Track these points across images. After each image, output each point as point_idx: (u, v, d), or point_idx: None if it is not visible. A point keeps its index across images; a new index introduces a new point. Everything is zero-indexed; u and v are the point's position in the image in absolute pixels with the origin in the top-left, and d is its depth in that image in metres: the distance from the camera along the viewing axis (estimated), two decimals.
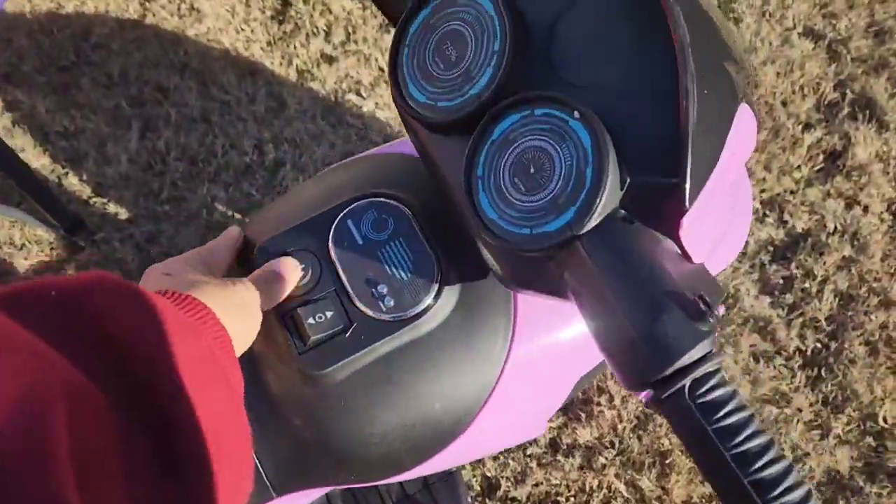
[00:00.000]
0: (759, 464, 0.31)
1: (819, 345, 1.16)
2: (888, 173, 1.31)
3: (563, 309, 0.50)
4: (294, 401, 0.48)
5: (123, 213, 1.23)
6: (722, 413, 0.33)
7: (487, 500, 1.05)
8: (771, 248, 1.25)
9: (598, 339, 0.37)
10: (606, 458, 1.08)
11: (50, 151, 1.27)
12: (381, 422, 0.48)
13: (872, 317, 1.17)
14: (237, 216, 1.25)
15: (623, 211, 0.38)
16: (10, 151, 1.02)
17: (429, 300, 0.47)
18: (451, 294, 0.48)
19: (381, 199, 0.50)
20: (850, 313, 1.18)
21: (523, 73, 0.41)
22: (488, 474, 1.06)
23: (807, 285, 1.21)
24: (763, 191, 1.29)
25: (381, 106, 1.37)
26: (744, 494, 0.31)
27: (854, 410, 1.11)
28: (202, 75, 1.34)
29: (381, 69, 1.39)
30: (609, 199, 0.37)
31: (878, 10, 1.51)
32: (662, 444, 1.09)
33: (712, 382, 0.33)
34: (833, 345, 1.16)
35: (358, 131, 1.33)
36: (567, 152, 0.38)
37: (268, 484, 0.53)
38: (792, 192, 1.30)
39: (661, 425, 1.10)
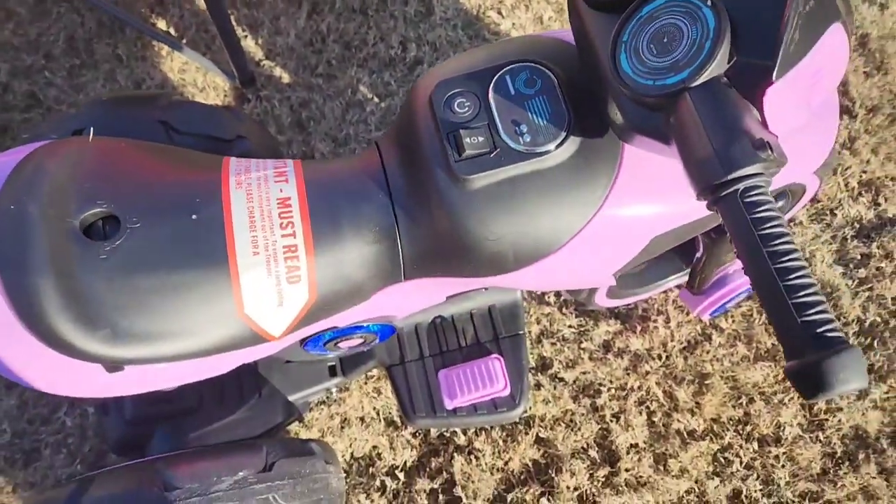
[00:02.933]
0: (780, 243, 0.45)
1: (878, 319, 1.23)
2: None
3: (655, 184, 0.64)
4: (442, 196, 0.63)
5: (285, 78, 1.44)
6: (761, 209, 0.46)
7: (539, 374, 1.21)
8: (857, 226, 1.30)
9: (686, 158, 0.51)
10: (651, 367, 1.21)
11: (235, 16, 1.49)
12: (501, 224, 0.64)
13: None
14: (375, 100, 1.43)
15: (725, 78, 0.51)
16: None
17: (556, 142, 0.63)
18: (573, 144, 0.63)
19: (535, 65, 0.66)
20: None
21: None
22: (545, 354, 1.23)
23: (883, 265, 1.26)
24: (864, 172, 1.34)
25: (516, 27, 1.49)
26: (768, 273, 0.45)
27: None
28: None
29: None
30: (717, 67, 0.51)
31: None
32: (705, 368, 1.21)
33: (759, 191, 0.47)
34: (892, 322, 1.22)
35: None
36: (695, 30, 0.53)
37: (401, 266, 0.70)
38: (892, 179, 1.33)
39: (707, 352, 1.22)
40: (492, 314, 1.02)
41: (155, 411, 0.89)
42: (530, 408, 1.19)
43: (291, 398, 1.00)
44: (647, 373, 1.21)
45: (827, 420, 1.17)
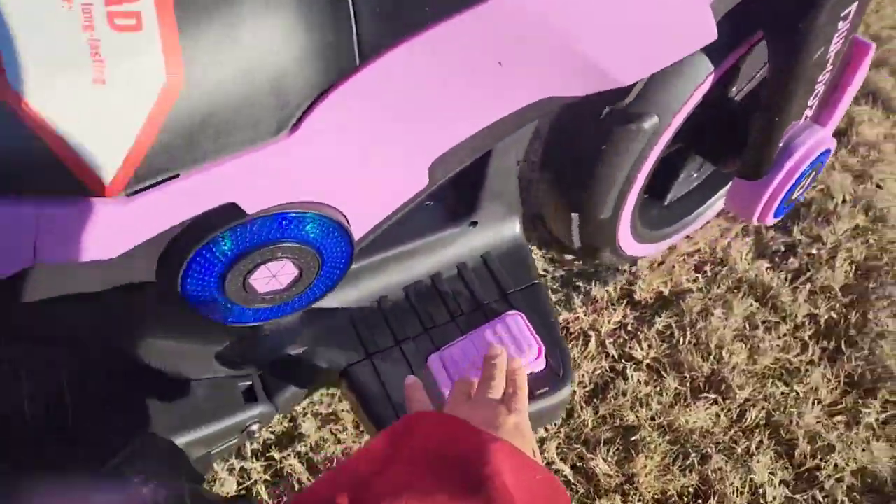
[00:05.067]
0: None
1: (835, 315, 0.89)
2: None
3: None
4: None
5: None
6: None
7: None
8: None
9: None
10: (545, 432, 0.78)
11: None
12: None
13: None
14: None
15: None
16: None
17: None
18: None
19: None
20: (871, 284, 0.92)
21: None
22: None
23: (814, 251, 0.96)
24: None
25: None
26: None
27: (891, 394, 0.82)
28: None
29: None
30: None
31: (873, 21, 1.42)
32: (626, 418, 0.79)
33: None
34: (853, 315, 0.89)
35: None
36: None
37: (352, 27, 0.38)
38: None
39: (624, 393, 0.81)
40: (488, 265, 0.67)
41: None
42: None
43: (183, 444, 0.57)
44: (542, 441, 0.77)
45: (819, 468, 0.76)
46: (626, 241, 0.84)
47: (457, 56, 0.42)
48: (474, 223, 0.65)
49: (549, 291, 0.92)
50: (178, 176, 0.37)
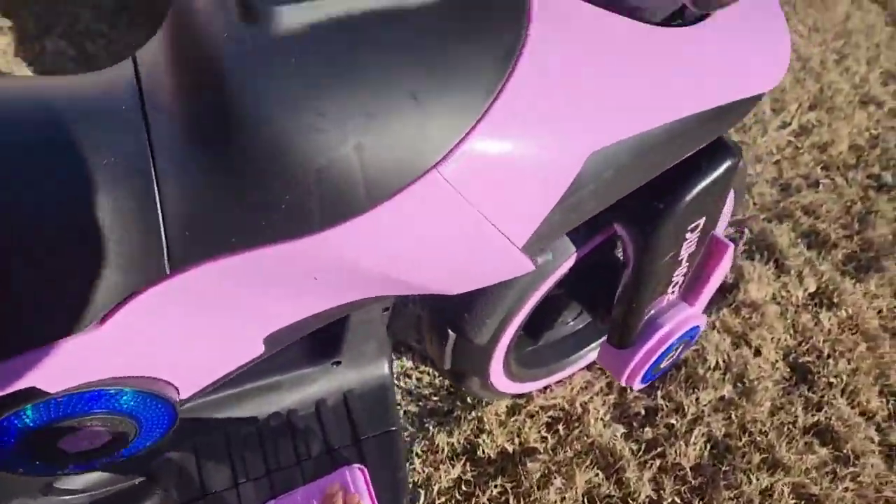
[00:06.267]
0: None
1: (679, 501, 0.85)
2: (786, 319, 1.11)
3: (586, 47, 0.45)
4: (233, 51, 0.37)
5: None
6: None
7: None
8: None
9: None
10: None
11: None
12: (332, 102, 0.37)
13: (753, 477, 0.88)
14: None
15: None
16: None
17: None
18: None
19: None
20: (723, 467, 0.89)
21: None
22: None
23: (673, 421, 0.93)
24: None
25: None
26: None
27: None
28: None
29: None
30: None
31: (785, 167, 1.44)
32: None
33: None
34: (696, 502, 0.85)
35: None
36: None
37: (162, 236, 0.41)
38: None
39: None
40: (348, 405, 0.66)
41: None
42: None
43: None
44: None
45: None
46: (497, 375, 0.81)
47: (267, 274, 0.43)
48: (337, 362, 0.66)
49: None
50: None
